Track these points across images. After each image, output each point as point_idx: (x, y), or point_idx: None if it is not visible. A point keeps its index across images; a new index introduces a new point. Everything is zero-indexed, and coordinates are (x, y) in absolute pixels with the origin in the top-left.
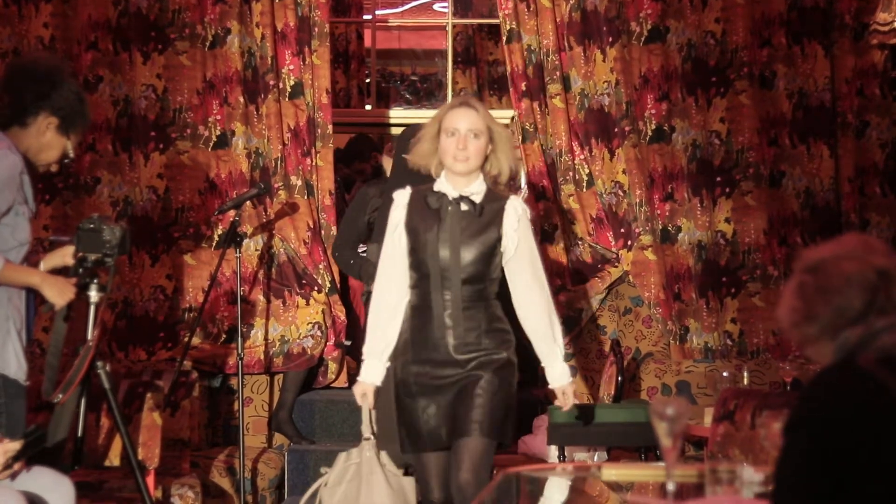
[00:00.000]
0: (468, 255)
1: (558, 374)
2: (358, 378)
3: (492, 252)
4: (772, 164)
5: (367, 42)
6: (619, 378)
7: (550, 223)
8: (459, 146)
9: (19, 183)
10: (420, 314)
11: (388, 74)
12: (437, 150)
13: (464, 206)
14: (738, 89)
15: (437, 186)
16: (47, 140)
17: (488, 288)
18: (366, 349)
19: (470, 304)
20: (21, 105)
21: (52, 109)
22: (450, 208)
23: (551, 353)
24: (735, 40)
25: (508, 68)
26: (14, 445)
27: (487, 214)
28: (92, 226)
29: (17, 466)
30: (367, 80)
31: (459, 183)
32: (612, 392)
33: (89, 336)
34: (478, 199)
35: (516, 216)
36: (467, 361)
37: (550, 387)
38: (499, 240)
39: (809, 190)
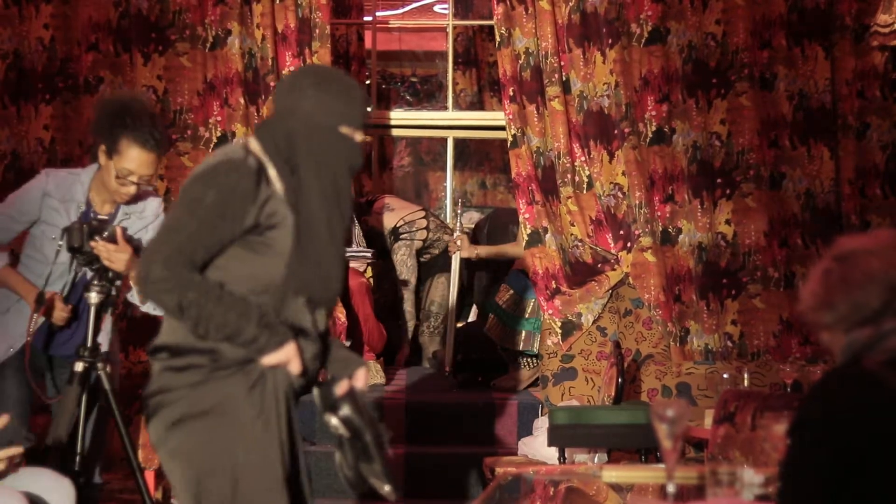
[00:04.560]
0: None
1: None
2: None
3: None
4: (772, 166)
5: (368, 43)
6: (620, 380)
7: (541, 226)
8: None
9: (40, 204)
10: None
11: (389, 76)
12: None
13: None
14: (739, 91)
15: None
16: (102, 168)
17: None
18: None
19: None
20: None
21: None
22: None
23: None
24: (735, 42)
25: (500, 73)
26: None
27: None
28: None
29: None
30: (368, 82)
31: None
32: (613, 394)
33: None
34: None
35: None
36: None
37: None
38: None
39: (810, 192)
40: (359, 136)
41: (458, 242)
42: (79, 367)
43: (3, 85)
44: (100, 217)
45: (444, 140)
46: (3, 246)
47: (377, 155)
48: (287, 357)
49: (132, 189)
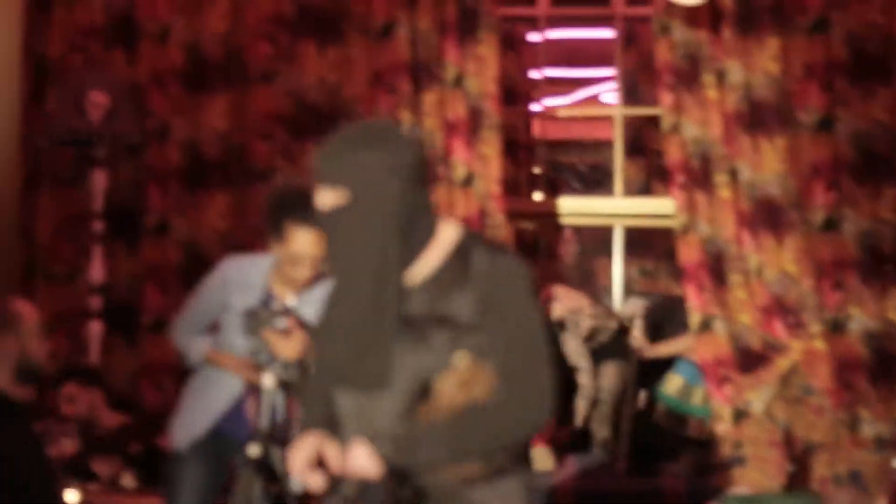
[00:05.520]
0: None
1: None
2: None
3: None
4: None
5: (536, 132)
6: (791, 468)
7: (710, 314)
8: None
9: (222, 290)
10: None
11: (557, 164)
12: None
13: None
14: None
15: None
16: (277, 257)
17: None
18: None
19: None
20: None
21: None
22: None
23: None
24: None
25: (668, 160)
26: None
27: None
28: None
29: None
30: (536, 170)
31: None
32: (784, 482)
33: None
34: None
35: None
36: None
37: None
38: None
39: None
40: (320, 192)
41: (637, 344)
42: (253, 451)
43: (178, 172)
44: (274, 307)
45: (609, 228)
46: (204, 332)
47: (545, 243)
48: None
49: (307, 272)
